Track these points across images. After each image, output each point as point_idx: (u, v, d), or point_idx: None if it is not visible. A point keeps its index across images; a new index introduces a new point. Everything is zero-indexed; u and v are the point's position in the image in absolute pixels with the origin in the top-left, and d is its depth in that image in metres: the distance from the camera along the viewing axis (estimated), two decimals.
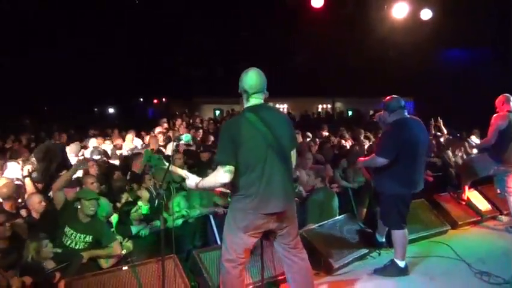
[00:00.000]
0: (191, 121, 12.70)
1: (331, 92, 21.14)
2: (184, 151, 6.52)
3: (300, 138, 7.66)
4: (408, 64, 12.81)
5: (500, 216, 5.66)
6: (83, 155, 6.44)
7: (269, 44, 15.32)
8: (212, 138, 8.12)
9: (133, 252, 4.07)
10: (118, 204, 4.49)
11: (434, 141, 7.44)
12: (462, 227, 5.28)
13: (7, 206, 3.94)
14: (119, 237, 4.08)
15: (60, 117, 13.77)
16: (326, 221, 4.59)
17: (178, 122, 11.44)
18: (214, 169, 2.93)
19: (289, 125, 2.97)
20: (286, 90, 16.70)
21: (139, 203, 4.48)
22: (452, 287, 3.79)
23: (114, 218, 4.36)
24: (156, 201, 4.66)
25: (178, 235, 4.13)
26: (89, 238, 3.82)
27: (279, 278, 3.73)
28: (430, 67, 12.65)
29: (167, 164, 3.09)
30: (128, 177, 5.28)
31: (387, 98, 3.99)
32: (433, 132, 7.64)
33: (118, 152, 7.14)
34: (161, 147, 7.37)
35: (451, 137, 7.49)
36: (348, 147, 7.62)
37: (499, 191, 5.31)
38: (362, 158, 4.30)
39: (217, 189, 2.99)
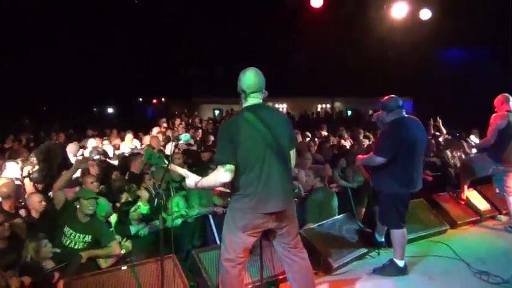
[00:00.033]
0: (190, 121, 12.71)
1: (330, 92, 21.15)
2: (183, 150, 6.51)
3: (299, 138, 7.67)
4: (407, 64, 12.83)
5: (499, 215, 5.66)
6: (82, 154, 6.44)
7: (269, 44, 15.33)
8: (212, 137, 8.12)
9: (132, 252, 4.07)
10: (118, 204, 4.50)
11: (433, 141, 7.45)
12: (461, 226, 5.29)
13: (6, 206, 3.95)
14: (118, 237, 4.08)
15: (60, 117, 13.76)
16: (325, 221, 4.59)
17: (177, 121, 11.45)
18: (213, 169, 2.93)
19: (288, 125, 2.97)
20: (285, 90, 16.72)
21: (139, 203, 4.48)
22: (451, 287, 3.79)
23: (113, 218, 4.36)
24: (156, 201, 4.66)
25: (177, 235, 4.13)
26: (88, 238, 3.82)
27: (278, 277, 3.74)
28: (429, 67, 12.67)
29: (167, 162, 3.09)
30: (126, 177, 5.28)
31: (385, 97, 4.00)
32: (432, 132, 7.65)
33: (117, 152, 7.14)
34: (161, 147, 7.36)
35: (449, 137, 7.50)
36: (347, 147, 7.63)
37: (498, 191, 5.32)
38: (360, 156, 4.31)
39: (217, 188, 2.99)
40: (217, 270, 3.36)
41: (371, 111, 16.23)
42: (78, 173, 4.83)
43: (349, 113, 22.39)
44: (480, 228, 5.40)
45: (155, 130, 8.87)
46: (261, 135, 2.74)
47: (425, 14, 9.44)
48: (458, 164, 6.68)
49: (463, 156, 6.73)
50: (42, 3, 11.93)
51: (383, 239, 4.45)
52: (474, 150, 6.67)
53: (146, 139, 8.02)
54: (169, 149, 7.07)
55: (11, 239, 3.41)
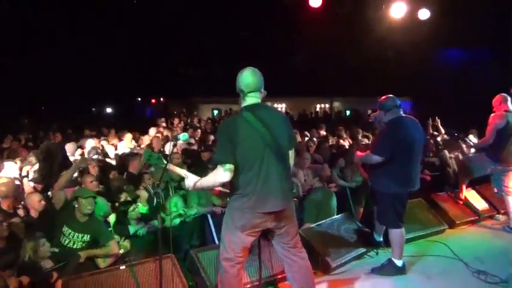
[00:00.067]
0: (189, 121, 12.70)
1: (329, 92, 21.16)
2: (182, 150, 6.51)
3: (298, 138, 7.66)
4: (406, 64, 12.82)
5: (497, 215, 5.68)
6: (81, 154, 6.43)
7: (268, 44, 15.33)
8: (212, 137, 8.11)
9: (130, 251, 4.07)
10: (116, 204, 4.50)
11: (431, 141, 7.45)
12: (459, 226, 5.30)
13: (4, 205, 3.94)
14: (116, 237, 4.08)
15: (59, 116, 13.76)
16: (323, 221, 4.60)
17: (176, 121, 11.44)
18: (212, 168, 2.93)
19: (287, 125, 2.98)
20: (284, 90, 16.73)
21: (138, 202, 4.49)
22: (449, 286, 3.80)
23: (112, 218, 4.36)
24: (155, 201, 4.66)
25: (176, 234, 4.13)
26: (86, 237, 3.82)
27: (277, 277, 3.74)
28: (428, 67, 12.66)
29: (166, 163, 3.09)
30: (124, 177, 5.28)
31: (383, 97, 4.00)
32: (431, 131, 7.65)
33: (115, 152, 7.13)
34: (160, 148, 7.35)
35: (447, 138, 7.50)
36: (346, 146, 7.63)
37: (496, 190, 5.33)
38: (359, 153, 4.31)
39: (216, 188, 2.99)
40: (216, 270, 3.37)
41: (369, 111, 16.23)
42: (76, 173, 4.83)
43: (348, 112, 22.40)
44: (478, 227, 5.41)
45: (152, 130, 8.85)
46: (259, 134, 2.74)
47: (424, 14, 9.43)
48: (454, 165, 6.68)
49: (460, 157, 6.74)
50: (42, 3, 11.92)
51: (381, 239, 4.46)
52: (473, 150, 6.68)
53: (145, 139, 8.00)
54: (167, 149, 7.06)
55: (9, 239, 3.41)
